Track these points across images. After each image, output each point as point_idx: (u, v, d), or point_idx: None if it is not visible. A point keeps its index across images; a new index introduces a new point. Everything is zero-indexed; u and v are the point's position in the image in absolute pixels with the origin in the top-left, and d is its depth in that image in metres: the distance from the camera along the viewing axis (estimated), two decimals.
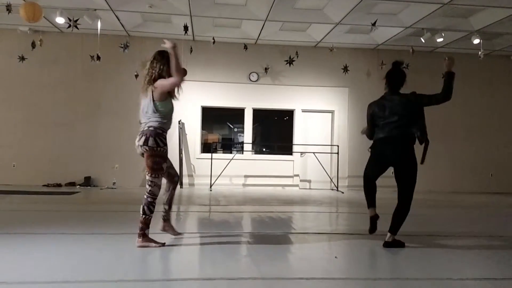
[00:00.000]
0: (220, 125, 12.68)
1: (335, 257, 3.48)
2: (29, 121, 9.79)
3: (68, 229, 4.32)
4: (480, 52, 9.46)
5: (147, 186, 3.58)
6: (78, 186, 9.54)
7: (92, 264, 3.05)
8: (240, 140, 11.36)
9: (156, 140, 3.54)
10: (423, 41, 9.35)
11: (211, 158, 9.81)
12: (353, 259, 3.55)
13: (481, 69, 10.89)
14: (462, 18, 8.85)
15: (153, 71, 3.63)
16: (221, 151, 11.40)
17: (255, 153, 11.07)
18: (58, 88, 9.93)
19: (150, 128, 3.57)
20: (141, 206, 3.55)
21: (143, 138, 3.54)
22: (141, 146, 3.56)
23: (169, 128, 3.72)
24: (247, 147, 10.74)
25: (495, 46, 10.37)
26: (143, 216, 3.53)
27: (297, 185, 10.57)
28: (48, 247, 3.55)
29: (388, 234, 3.79)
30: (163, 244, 3.58)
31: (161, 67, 3.62)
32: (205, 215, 5.97)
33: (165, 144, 3.62)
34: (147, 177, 3.59)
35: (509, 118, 11.20)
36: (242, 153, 10.78)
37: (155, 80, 3.61)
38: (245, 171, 10.39)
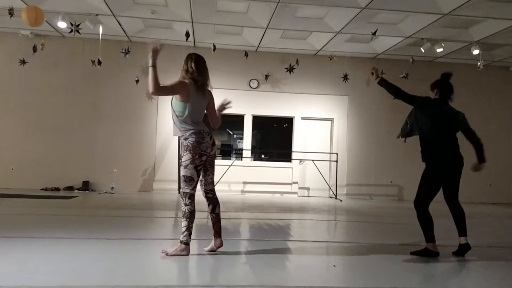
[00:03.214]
0: (219, 131, 12.67)
1: (334, 265, 3.48)
2: (29, 124, 9.79)
3: (66, 233, 4.31)
4: (479, 63, 9.52)
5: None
6: (76, 191, 9.51)
7: (90, 269, 3.05)
8: (239, 147, 11.37)
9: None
10: (423, 51, 9.40)
11: None
12: (352, 267, 3.54)
13: (480, 80, 10.94)
14: (462, 28, 8.91)
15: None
16: (220, 157, 11.40)
17: (254, 160, 11.07)
18: (58, 92, 9.94)
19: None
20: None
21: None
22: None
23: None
24: (246, 153, 10.74)
25: (494, 57, 10.43)
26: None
27: (295, 193, 10.56)
28: (46, 251, 3.54)
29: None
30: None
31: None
32: (203, 221, 5.95)
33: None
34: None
35: (507, 129, 11.23)
36: (241, 160, 10.78)
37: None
38: (244, 177, 10.38)
